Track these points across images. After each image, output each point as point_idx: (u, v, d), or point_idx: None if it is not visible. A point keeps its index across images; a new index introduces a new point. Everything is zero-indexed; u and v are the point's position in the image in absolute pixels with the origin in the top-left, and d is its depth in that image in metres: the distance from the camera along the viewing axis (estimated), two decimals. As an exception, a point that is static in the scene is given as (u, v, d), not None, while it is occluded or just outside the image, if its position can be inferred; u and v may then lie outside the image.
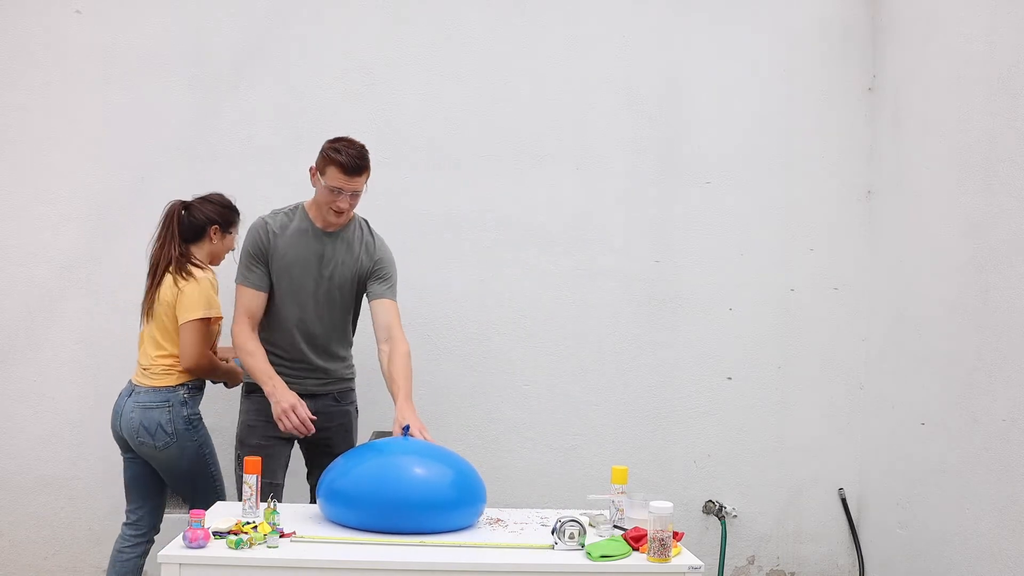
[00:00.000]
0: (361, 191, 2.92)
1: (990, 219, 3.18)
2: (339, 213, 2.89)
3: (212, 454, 3.19)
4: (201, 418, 3.19)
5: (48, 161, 3.69)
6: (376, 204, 3.76)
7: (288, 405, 2.77)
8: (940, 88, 3.52)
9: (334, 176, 2.83)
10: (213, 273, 3.19)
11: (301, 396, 2.86)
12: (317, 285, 2.99)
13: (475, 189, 3.86)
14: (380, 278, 3.05)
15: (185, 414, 3.11)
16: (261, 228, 2.95)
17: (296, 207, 3.01)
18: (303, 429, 2.78)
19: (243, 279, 2.96)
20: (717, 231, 3.97)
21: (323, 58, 3.79)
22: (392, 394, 2.83)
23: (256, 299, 2.94)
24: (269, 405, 2.83)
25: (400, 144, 3.83)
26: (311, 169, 2.93)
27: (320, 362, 3.04)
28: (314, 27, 3.80)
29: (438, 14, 3.85)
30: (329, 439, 3.04)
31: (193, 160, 3.74)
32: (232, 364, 3.26)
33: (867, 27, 4.03)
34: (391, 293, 3.04)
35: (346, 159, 2.81)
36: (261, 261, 2.94)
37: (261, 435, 2.94)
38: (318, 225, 2.96)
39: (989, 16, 3.23)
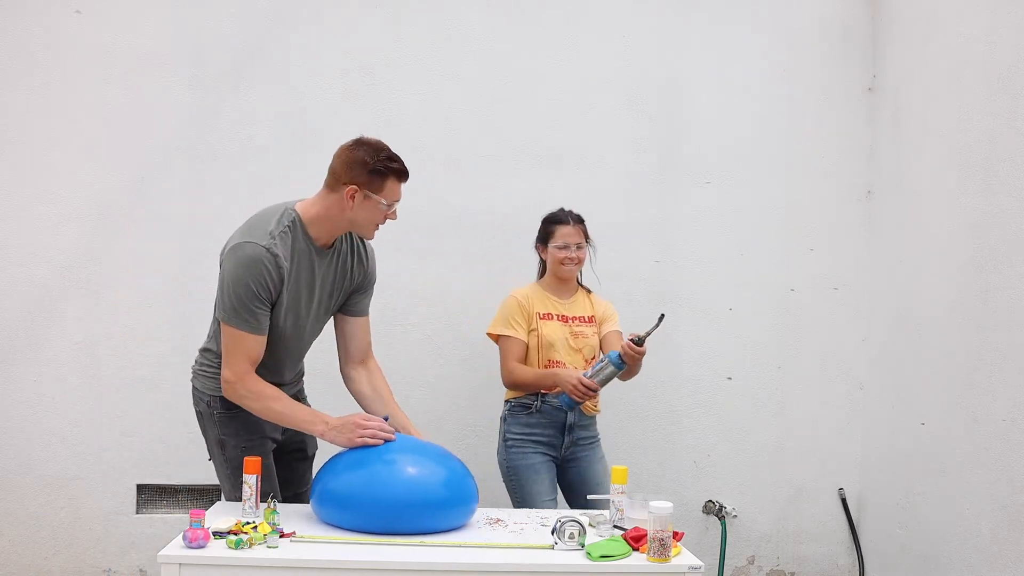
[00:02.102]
0: None
1: (990, 219, 3.18)
2: (379, 226, 2.59)
3: (522, 480, 3.23)
4: (520, 440, 3.24)
5: (48, 161, 3.69)
6: (376, 204, 3.77)
7: (363, 422, 2.47)
8: (940, 88, 3.52)
9: (394, 189, 2.52)
10: (525, 291, 3.31)
11: None
12: (316, 308, 2.66)
13: (475, 189, 3.86)
14: (365, 290, 2.78)
15: (503, 430, 3.31)
16: (271, 263, 2.44)
17: (289, 221, 2.51)
18: (384, 434, 2.47)
19: (245, 324, 2.46)
20: (717, 231, 3.97)
21: (323, 58, 3.79)
22: (400, 429, 2.63)
23: (260, 347, 2.51)
24: (258, 423, 2.61)
25: (400, 144, 3.77)
26: (351, 190, 2.48)
27: (292, 374, 2.82)
28: (314, 27, 3.80)
29: (438, 14, 3.85)
30: (301, 440, 2.84)
31: (193, 160, 3.74)
32: (546, 371, 3.20)
33: (867, 27, 4.03)
34: (369, 307, 2.82)
35: (403, 167, 2.53)
36: (268, 302, 2.49)
37: (263, 453, 2.62)
38: (319, 243, 2.58)
39: (989, 16, 3.23)
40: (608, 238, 3.90)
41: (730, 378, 3.99)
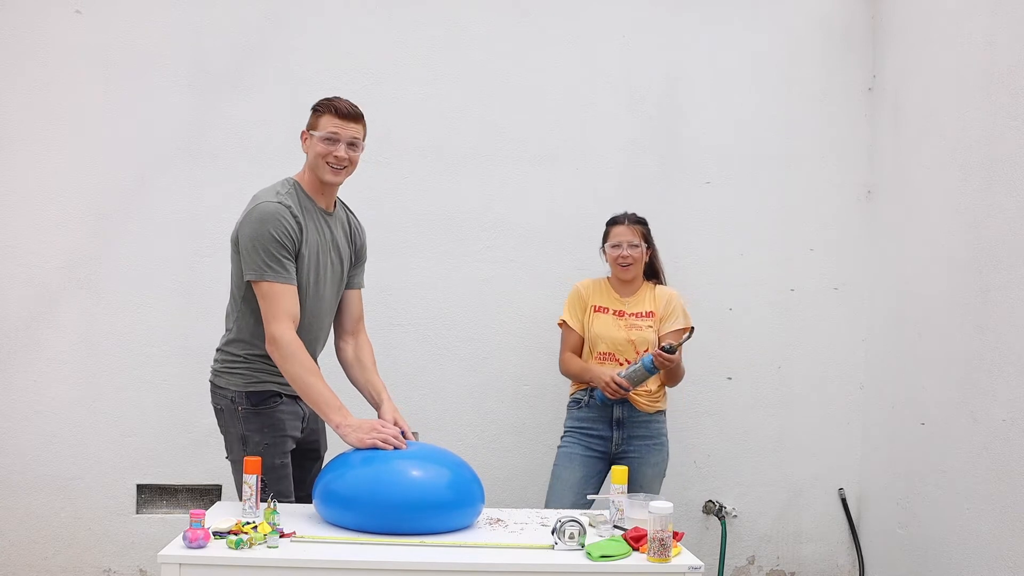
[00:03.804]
0: (359, 144, 2.69)
1: (990, 219, 3.18)
2: (338, 169, 2.65)
3: (556, 467, 3.30)
4: (571, 432, 3.31)
5: (48, 161, 3.69)
6: (377, 204, 3.78)
7: (380, 426, 2.52)
8: (940, 88, 3.52)
9: (329, 122, 2.64)
10: (588, 283, 3.40)
11: (293, 398, 2.68)
12: (333, 273, 2.75)
13: (475, 189, 3.86)
14: (360, 263, 2.90)
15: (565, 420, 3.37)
16: (287, 214, 2.56)
17: (290, 185, 2.68)
18: (396, 442, 2.49)
19: (276, 275, 2.54)
20: (717, 231, 3.97)
21: (323, 58, 3.80)
22: (373, 392, 2.77)
23: (295, 299, 2.59)
24: (283, 420, 2.65)
25: (400, 144, 3.83)
26: (303, 135, 2.69)
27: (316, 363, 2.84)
28: (314, 27, 3.80)
29: (438, 14, 3.85)
30: (316, 440, 2.87)
31: (193, 160, 3.74)
32: (586, 365, 3.29)
33: (867, 27, 4.03)
34: (363, 281, 2.93)
35: (339, 104, 2.66)
36: (292, 253, 2.59)
37: (281, 453, 2.66)
38: (320, 204, 2.71)
39: (989, 16, 3.23)
40: (608, 238, 3.92)
41: (730, 378, 3.99)
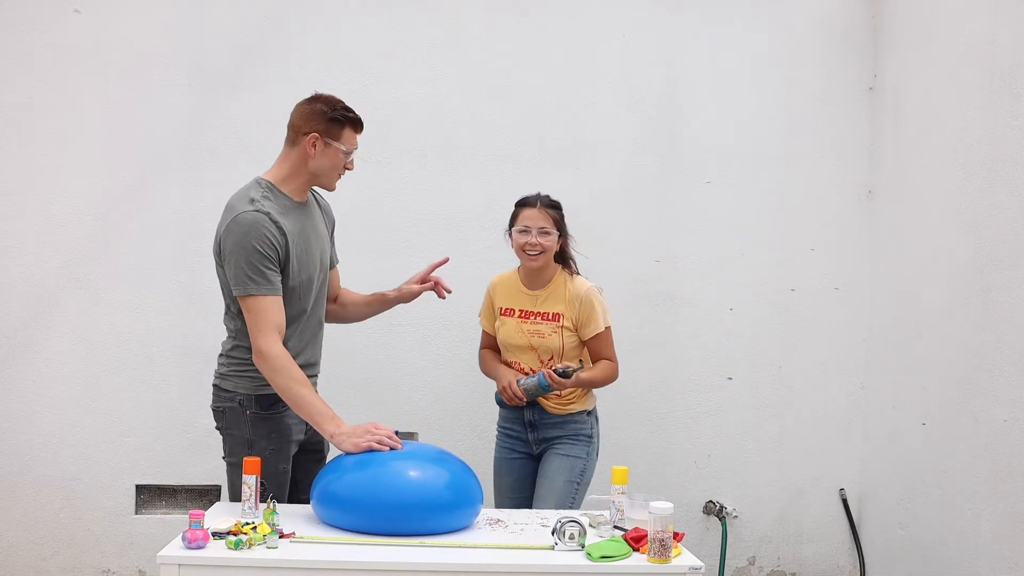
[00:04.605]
0: None
1: (991, 219, 3.18)
2: (340, 175, 2.73)
3: (493, 473, 3.27)
4: (500, 432, 3.27)
5: (48, 161, 3.68)
6: (377, 204, 3.78)
7: (374, 429, 2.48)
8: (940, 88, 3.52)
9: (350, 137, 2.67)
10: (495, 282, 3.24)
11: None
12: (322, 261, 2.74)
13: (475, 189, 3.86)
14: (333, 240, 2.89)
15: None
16: (268, 222, 2.51)
17: (265, 187, 2.63)
18: (392, 442, 2.47)
19: (259, 287, 2.49)
20: (717, 231, 3.97)
21: (323, 58, 3.79)
22: (373, 300, 3.01)
23: (280, 309, 2.54)
24: (289, 426, 2.64)
25: (400, 144, 3.83)
26: (312, 138, 2.62)
27: (316, 352, 2.79)
28: (314, 26, 3.80)
29: (438, 14, 3.85)
30: (320, 441, 2.84)
31: (193, 160, 3.74)
32: (494, 365, 3.20)
33: (867, 27, 4.03)
34: (336, 255, 2.95)
35: (358, 117, 2.69)
36: (276, 262, 2.54)
37: (284, 458, 2.66)
38: (296, 199, 2.67)
39: (989, 16, 3.23)
40: (608, 238, 3.91)
41: (730, 378, 3.99)
